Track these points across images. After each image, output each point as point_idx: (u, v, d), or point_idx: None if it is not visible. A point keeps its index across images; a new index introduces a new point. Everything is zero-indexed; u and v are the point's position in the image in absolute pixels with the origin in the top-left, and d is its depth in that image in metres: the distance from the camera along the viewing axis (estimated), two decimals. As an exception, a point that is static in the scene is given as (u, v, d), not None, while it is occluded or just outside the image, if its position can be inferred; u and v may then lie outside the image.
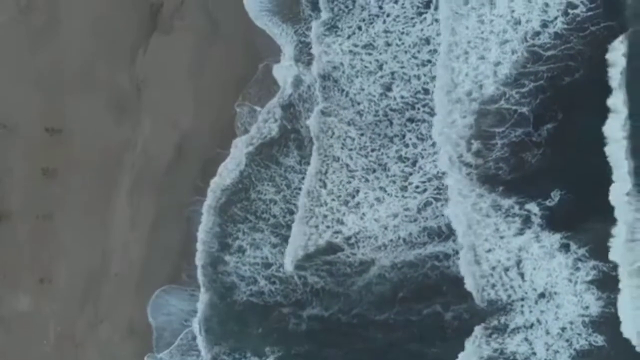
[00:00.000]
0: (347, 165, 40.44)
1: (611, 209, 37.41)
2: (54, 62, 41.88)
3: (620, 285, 37.68)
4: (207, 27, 41.47)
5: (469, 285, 39.22)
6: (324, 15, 40.63)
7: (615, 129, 37.48)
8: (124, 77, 41.74)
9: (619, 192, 37.40)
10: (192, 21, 41.62)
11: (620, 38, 37.50)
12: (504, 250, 38.91)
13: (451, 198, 39.35)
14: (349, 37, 40.45)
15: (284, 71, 41.13)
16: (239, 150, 41.20)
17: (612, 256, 37.75)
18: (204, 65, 41.41)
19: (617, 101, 37.50)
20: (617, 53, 37.59)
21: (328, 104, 40.56)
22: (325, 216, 40.55)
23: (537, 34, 38.58)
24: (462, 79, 39.04)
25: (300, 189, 41.05)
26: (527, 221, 38.63)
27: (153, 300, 41.61)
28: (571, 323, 38.52)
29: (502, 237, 38.90)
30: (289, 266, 40.70)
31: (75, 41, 41.89)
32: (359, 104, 40.39)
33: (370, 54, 40.26)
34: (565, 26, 38.43)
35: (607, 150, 37.54)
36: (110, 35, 41.84)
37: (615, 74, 37.55)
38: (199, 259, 41.30)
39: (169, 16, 41.65)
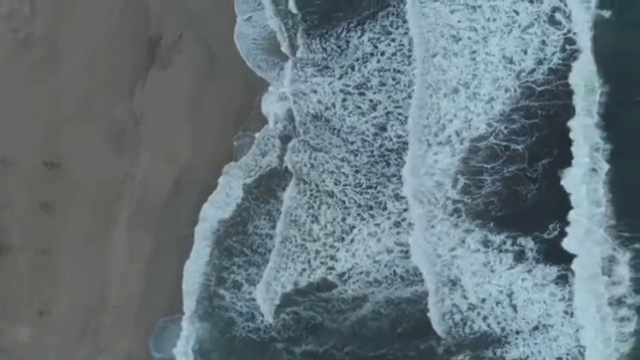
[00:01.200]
0: (343, 201, 40.48)
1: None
2: (52, 96, 42.04)
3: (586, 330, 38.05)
4: (205, 60, 41.74)
5: (434, 321, 39.55)
6: (299, 54, 40.92)
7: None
8: (122, 110, 41.95)
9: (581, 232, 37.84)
10: (190, 55, 41.83)
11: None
12: (494, 284, 39.06)
13: (418, 233, 39.63)
14: (340, 77, 40.61)
15: (274, 105, 41.24)
16: (236, 180, 41.23)
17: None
18: (202, 98, 41.68)
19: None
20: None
21: (319, 140, 40.82)
22: (317, 252, 40.63)
23: (532, 70, 38.73)
24: (451, 118, 39.21)
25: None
26: (520, 255, 38.83)
27: (156, 332, 41.79)
28: (567, 354, 38.58)
29: (493, 271, 39.01)
30: (268, 316, 40.91)
31: (74, 75, 42.05)
32: (352, 143, 40.45)
33: (363, 94, 40.26)
34: (561, 62, 38.60)
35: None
36: (109, 69, 42.01)
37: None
38: (189, 293, 41.49)
39: (167, 50, 41.84)
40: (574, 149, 38.18)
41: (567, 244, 38.15)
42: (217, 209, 41.69)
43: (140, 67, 42.01)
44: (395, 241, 40.14)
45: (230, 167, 41.63)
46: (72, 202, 41.98)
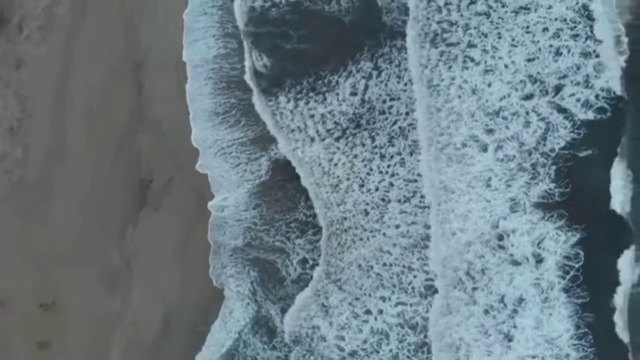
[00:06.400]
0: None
1: None
2: (46, 237, 43.23)
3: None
4: (194, 203, 42.73)
5: None
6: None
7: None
8: (114, 251, 43.13)
9: None
10: (180, 197, 42.89)
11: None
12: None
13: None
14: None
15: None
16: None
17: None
18: (191, 240, 42.79)
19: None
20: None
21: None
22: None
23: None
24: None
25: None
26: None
27: None
28: None
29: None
30: None
31: (67, 216, 43.22)
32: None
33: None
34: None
35: None
36: (101, 211, 43.16)
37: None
38: None
39: (158, 192, 42.89)
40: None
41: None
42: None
43: (131, 208, 43.13)
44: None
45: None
46: (67, 339, 43.32)
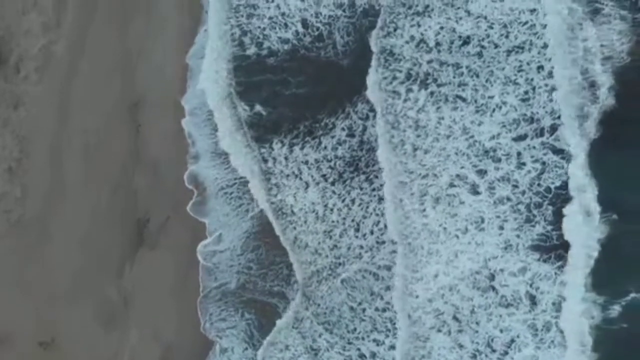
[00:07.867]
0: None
1: None
2: (45, 276, 43.43)
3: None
4: (192, 242, 42.61)
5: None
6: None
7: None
8: (112, 290, 43.23)
9: None
10: (177, 237, 42.83)
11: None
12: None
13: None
14: None
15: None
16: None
17: None
18: (188, 279, 42.68)
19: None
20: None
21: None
22: None
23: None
24: None
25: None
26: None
27: None
28: None
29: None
30: None
31: (65, 255, 43.44)
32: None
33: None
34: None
35: None
36: (99, 250, 43.32)
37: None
38: None
39: (155, 232, 42.89)
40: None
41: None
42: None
43: (129, 248, 43.22)
44: None
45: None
46: (65, 376, 43.41)
